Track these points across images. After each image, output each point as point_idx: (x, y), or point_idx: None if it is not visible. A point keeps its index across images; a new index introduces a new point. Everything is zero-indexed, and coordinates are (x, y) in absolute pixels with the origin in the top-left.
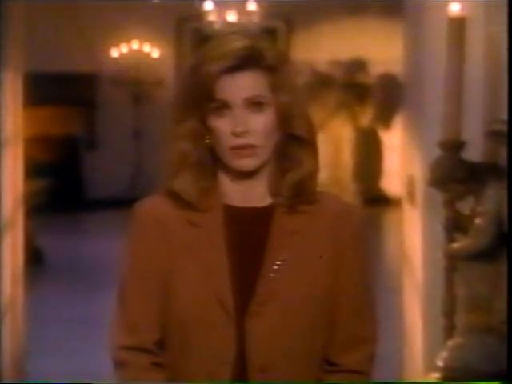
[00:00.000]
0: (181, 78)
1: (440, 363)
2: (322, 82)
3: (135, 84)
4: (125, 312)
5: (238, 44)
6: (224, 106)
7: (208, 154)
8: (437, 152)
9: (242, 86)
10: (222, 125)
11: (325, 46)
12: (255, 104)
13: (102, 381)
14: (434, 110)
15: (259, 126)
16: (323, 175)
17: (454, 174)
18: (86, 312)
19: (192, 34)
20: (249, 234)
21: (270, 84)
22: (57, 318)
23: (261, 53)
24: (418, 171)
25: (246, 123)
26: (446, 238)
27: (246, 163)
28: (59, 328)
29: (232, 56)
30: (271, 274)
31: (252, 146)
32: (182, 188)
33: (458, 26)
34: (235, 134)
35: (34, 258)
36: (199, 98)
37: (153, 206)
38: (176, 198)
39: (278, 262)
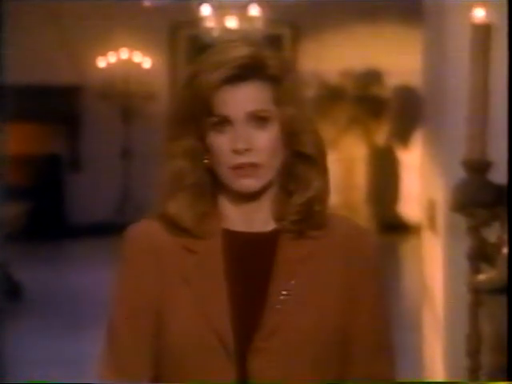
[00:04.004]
0: (176, 90)
1: None
2: (332, 95)
3: (124, 98)
4: (114, 349)
5: (239, 52)
6: (224, 122)
7: (206, 174)
8: (460, 173)
9: (243, 99)
10: (222, 142)
11: (335, 56)
12: (258, 119)
13: None
14: (457, 127)
15: (263, 143)
16: (334, 198)
17: (479, 198)
18: (69, 352)
19: (187, 42)
20: (251, 262)
21: (274, 96)
22: (36, 359)
23: (264, 62)
24: (440, 194)
25: (248, 140)
26: (470, 269)
27: (248, 184)
28: (39, 370)
29: (233, 65)
30: (277, 306)
31: (255, 165)
32: (178, 212)
33: (483, 33)
34: (237, 152)
35: (12, 292)
36: (197, 113)
37: (145, 231)
38: (170, 222)
39: (285, 292)
